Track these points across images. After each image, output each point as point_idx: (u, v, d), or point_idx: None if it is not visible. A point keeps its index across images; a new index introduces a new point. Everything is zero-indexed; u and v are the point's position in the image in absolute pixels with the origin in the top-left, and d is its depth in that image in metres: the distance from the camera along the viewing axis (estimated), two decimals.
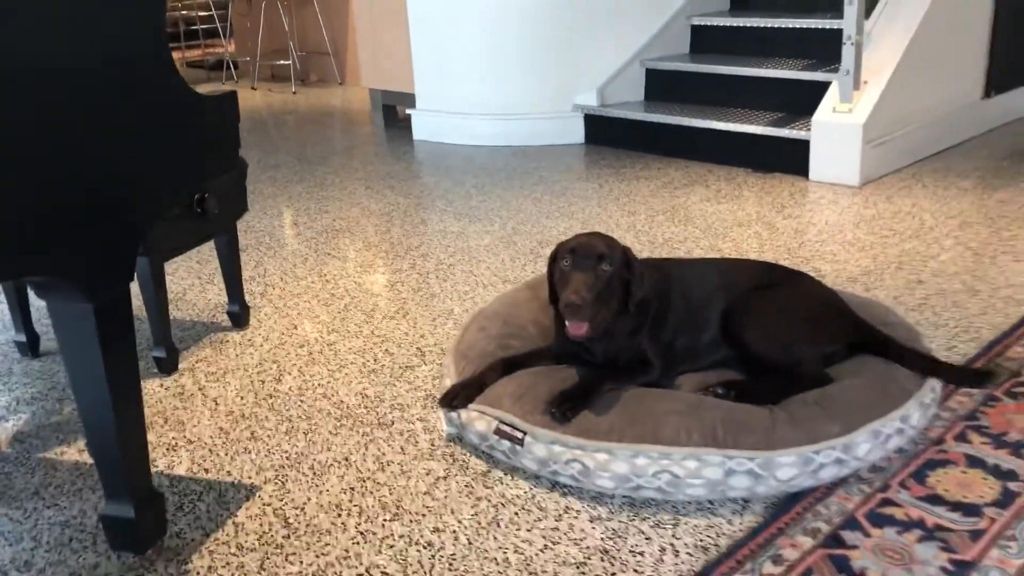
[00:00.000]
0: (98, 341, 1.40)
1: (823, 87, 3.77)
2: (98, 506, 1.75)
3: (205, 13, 7.73)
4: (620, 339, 1.84)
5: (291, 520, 1.69)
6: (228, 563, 1.58)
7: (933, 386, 1.83)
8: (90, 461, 1.93)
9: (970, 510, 1.59)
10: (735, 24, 4.49)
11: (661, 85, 4.57)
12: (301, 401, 2.14)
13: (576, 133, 4.62)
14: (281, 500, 1.75)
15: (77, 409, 1.52)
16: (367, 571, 1.54)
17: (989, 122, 4.31)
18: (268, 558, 1.58)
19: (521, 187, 3.87)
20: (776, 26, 4.29)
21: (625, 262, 1.79)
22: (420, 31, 4.79)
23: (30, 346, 2.45)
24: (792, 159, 3.79)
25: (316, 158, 4.64)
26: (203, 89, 1.61)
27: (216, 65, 7.35)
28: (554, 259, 1.83)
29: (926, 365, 1.83)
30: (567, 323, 1.73)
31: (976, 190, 3.45)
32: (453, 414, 1.89)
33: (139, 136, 1.42)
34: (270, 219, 3.60)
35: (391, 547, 1.60)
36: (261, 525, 1.68)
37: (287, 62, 6.88)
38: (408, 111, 5.02)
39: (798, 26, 4.21)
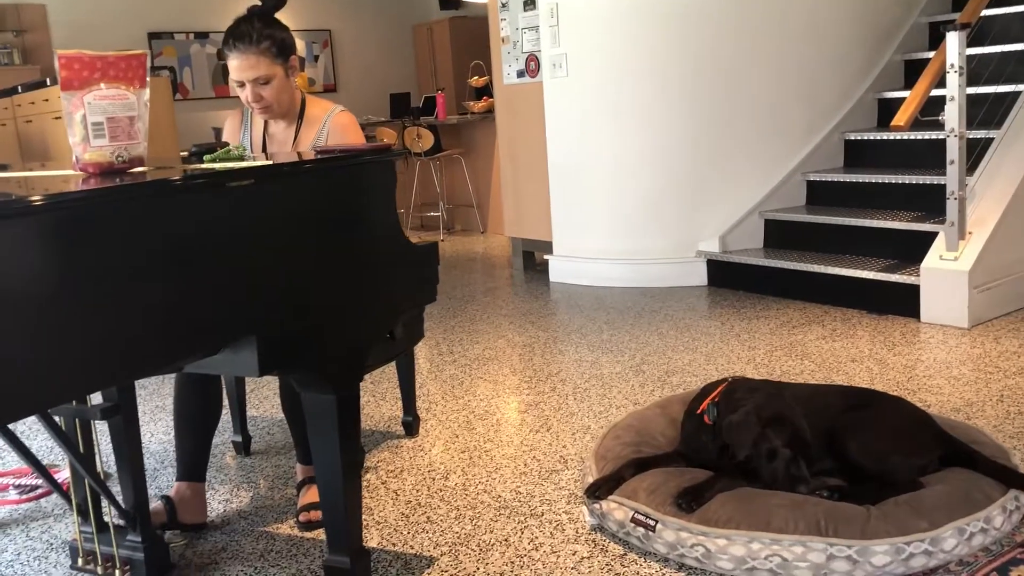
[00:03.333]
0: (336, 423, 1.88)
1: (931, 236, 4.10)
2: (311, 567, 2.20)
3: None
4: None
5: None
6: None
7: (1016, 495, 2.09)
8: (300, 534, 2.40)
9: None
10: (848, 180, 4.89)
11: (779, 233, 4.98)
12: (466, 494, 2.56)
13: (699, 276, 5.05)
14: (455, 568, 2.15)
15: (316, 476, 1.99)
16: None
17: None
18: None
19: (648, 324, 4.30)
20: (886, 181, 4.67)
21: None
22: (558, 188, 5.41)
23: (244, 445, 2.99)
24: (904, 302, 4.08)
25: (465, 297, 5.23)
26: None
27: None
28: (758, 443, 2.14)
29: (1008, 476, 2.11)
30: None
31: None
32: (595, 506, 2.27)
33: (382, 281, 1.95)
34: (430, 348, 4.14)
35: None
36: None
37: (436, 214, 7.68)
38: (546, 256, 5.60)
39: (906, 181, 4.57)
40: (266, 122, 2.57)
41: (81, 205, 1.44)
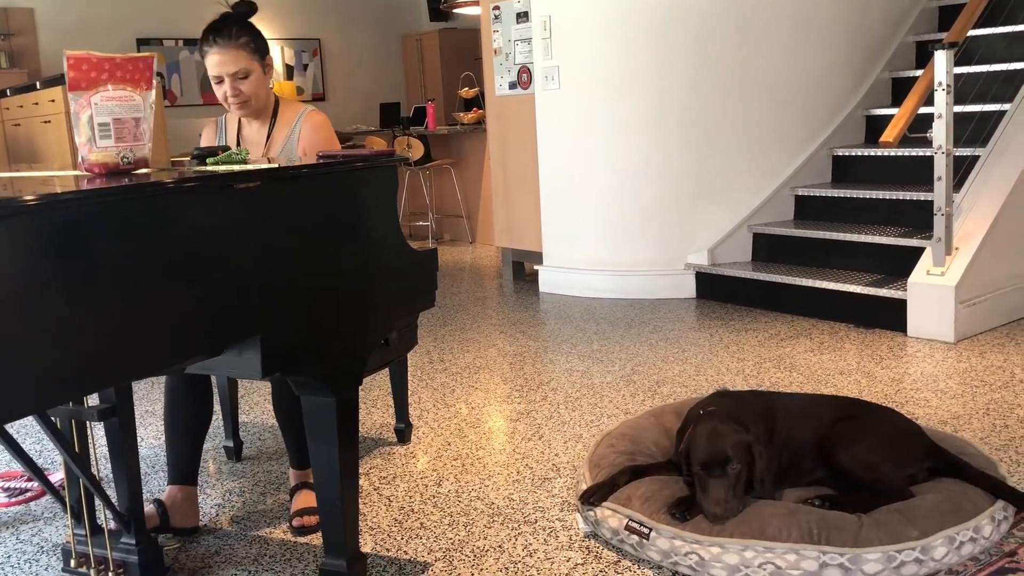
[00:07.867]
0: (336, 426, 1.89)
1: (918, 252, 4.15)
2: (305, 571, 2.20)
3: None
4: None
5: None
6: None
7: (1004, 506, 2.12)
8: (293, 539, 2.39)
9: None
10: (836, 195, 4.95)
11: (767, 247, 5.03)
12: (459, 501, 2.57)
13: (688, 288, 5.09)
14: (450, 574, 2.16)
15: (314, 480, 2.00)
16: None
17: None
18: None
19: (638, 335, 4.32)
20: (873, 197, 4.73)
21: (747, 453, 2.11)
22: (549, 199, 5.45)
23: (236, 451, 2.98)
24: (891, 316, 4.13)
25: (455, 306, 5.24)
26: None
27: None
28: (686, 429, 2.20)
29: (996, 487, 2.14)
30: (709, 520, 2.06)
31: None
32: (589, 513, 2.28)
33: (384, 284, 1.97)
34: (420, 356, 4.14)
35: None
36: None
37: (425, 223, 7.70)
38: (536, 267, 5.62)
39: (893, 197, 4.63)
40: (240, 126, 2.61)
41: (85, 205, 1.45)
